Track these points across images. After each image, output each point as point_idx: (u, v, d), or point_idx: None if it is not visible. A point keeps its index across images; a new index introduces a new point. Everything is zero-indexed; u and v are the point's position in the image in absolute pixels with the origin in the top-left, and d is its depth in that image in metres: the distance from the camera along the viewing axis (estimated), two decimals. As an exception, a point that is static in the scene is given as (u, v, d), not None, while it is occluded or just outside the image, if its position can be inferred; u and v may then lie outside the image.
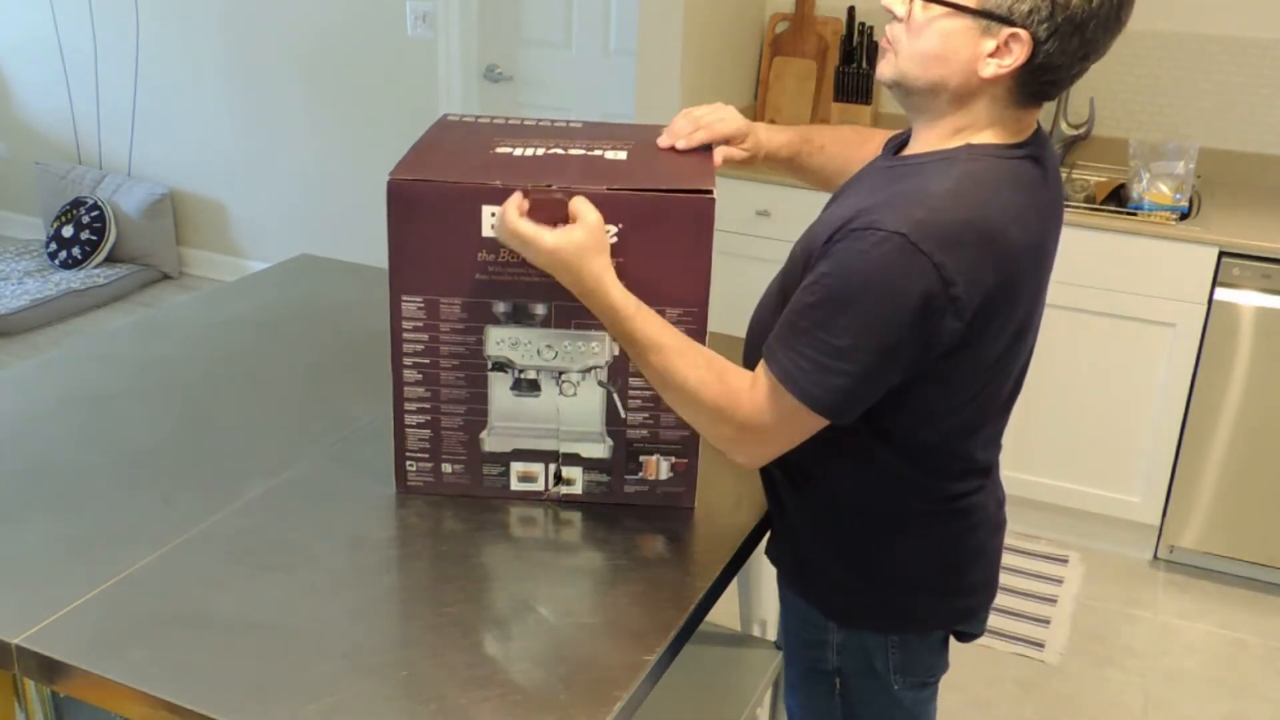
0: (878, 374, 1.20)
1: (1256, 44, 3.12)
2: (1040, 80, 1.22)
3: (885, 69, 1.29)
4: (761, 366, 1.24)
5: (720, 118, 1.49)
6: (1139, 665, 2.70)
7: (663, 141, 1.48)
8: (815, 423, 1.24)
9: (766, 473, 1.45)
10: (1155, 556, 3.11)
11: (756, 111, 3.67)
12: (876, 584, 1.39)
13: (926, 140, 1.29)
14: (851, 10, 3.46)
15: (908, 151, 1.32)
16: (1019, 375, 1.37)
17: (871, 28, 3.47)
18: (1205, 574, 3.06)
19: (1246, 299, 2.77)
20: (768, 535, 1.52)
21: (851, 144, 1.58)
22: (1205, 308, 2.81)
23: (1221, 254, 2.76)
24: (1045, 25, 1.17)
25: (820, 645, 1.44)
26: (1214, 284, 2.78)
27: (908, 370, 1.22)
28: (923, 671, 1.44)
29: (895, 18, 1.27)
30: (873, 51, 3.49)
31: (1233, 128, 3.20)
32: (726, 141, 1.49)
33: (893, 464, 1.32)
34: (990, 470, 1.42)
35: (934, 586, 1.40)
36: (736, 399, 1.25)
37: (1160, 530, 3.03)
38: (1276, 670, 2.70)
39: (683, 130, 1.47)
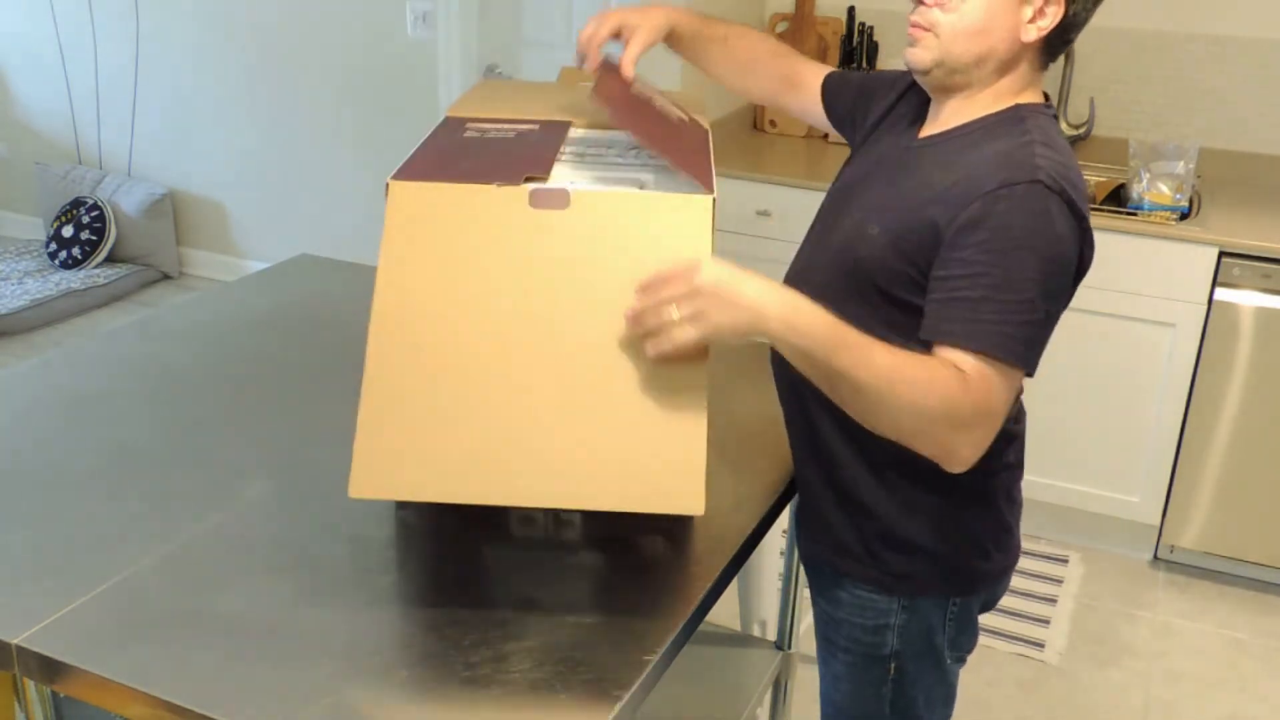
0: (1056, 316, 1.28)
1: (1256, 44, 3.12)
2: (1064, 39, 1.33)
3: (922, 54, 1.34)
4: (954, 351, 1.23)
5: (597, 25, 1.57)
6: (1139, 665, 2.70)
7: (589, 67, 1.56)
8: (1018, 386, 1.30)
9: (814, 470, 1.48)
10: (1155, 556, 3.11)
11: (756, 111, 3.67)
12: (952, 546, 1.44)
13: (962, 111, 1.35)
14: (851, 10, 3.46)
15: (940, 127, 1.37)
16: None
17: (871, 28, 3.47)
18: (1205, 574, 3.06)
19: (1246, 299, 2.77)
20: (799, 536, 1.52)
21: (767, 52, 1.67)
22: (1205, 308, 2.81)
23: (1221, 254, 2.76)
24: None
25: (881, 630, 1.47)
26: (1214, 284, 2.78)
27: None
28: (967, 644, 1.52)
29: (924, 3, 1.32)
30: (873, 52, 3.49)
31: (1233, 128, 3.20)
32: (619, 35, 1.57)
33: None
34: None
35: (993, 544, 1.47)
36: (960, 390, 1.21)
37: (1160, 530, 3.03)
38: (1276, 670, 2.70)
39: (587, 59, 1.57)
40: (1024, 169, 1.24)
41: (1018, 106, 1.33)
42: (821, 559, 1.53)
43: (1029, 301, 1.22)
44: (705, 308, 1.19)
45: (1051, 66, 1.43)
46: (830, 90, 1.63)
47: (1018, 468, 1.49)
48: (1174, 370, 2.88)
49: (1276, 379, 2.80)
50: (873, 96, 1.56)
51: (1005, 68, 1.33)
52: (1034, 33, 1.29)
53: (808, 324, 1.20)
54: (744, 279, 1.19)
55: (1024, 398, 1.52)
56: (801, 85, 1.65)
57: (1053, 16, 1.28)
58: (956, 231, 1.25)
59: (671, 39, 1.61)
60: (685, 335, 1.21)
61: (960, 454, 1.24)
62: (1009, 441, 1.45)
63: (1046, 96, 1.39)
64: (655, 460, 1.29)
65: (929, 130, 1.40)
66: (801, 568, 1.95)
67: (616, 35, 1.55)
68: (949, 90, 1.36)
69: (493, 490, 1.29)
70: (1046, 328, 1.27)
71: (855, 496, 1.45)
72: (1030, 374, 1.27)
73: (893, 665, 1.49)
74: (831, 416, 1.43)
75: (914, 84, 1.48)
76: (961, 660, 1.54)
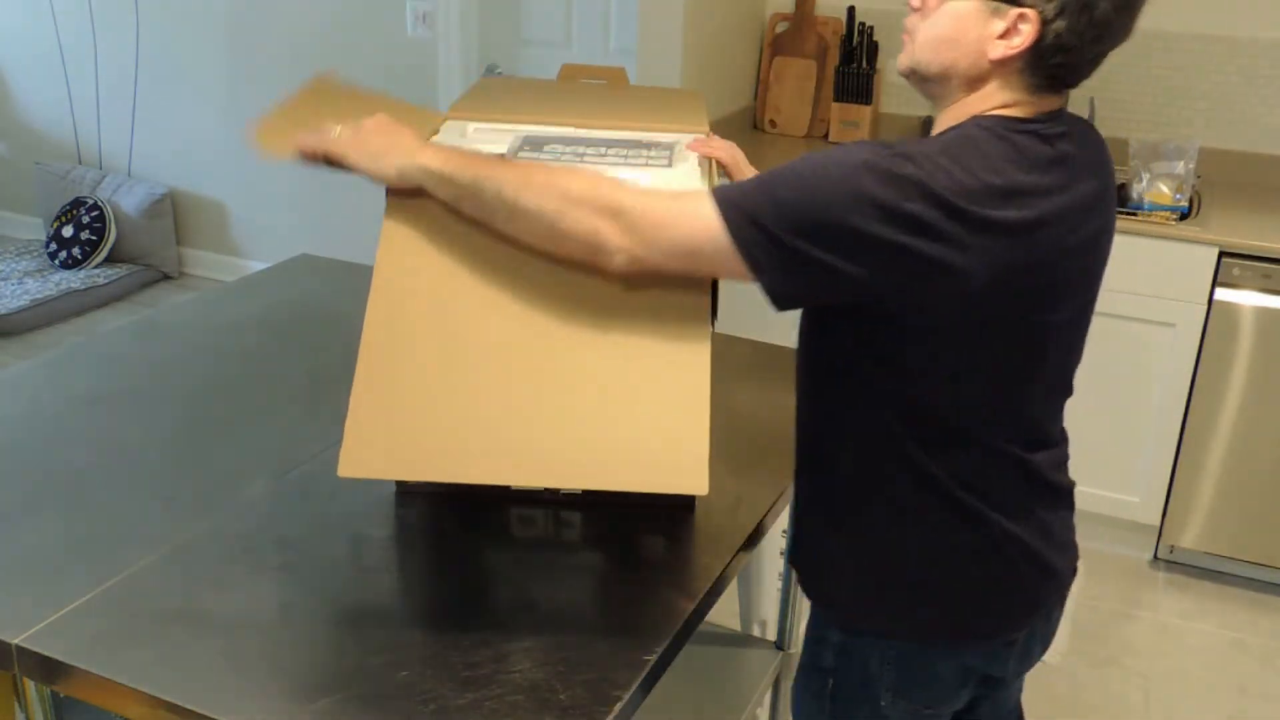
0: (807, 250, 1.21)
1: (1256, 44, 3.12)
2: (1052, 63, 1.22)
3: (902, 58, 1.32)
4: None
5: (718, 146, 1.58)
6: (1139, 665, 2.70)
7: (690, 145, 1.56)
8: (709, 233, 1.24)
9: (798, 455, 1.44)
10: (1155, 556, 3.11)
11: (757, 111, 3.67)
12: (882, 581, 1.35)
13: (942, 121, 1.31)
14: (851, 10, 3.46)
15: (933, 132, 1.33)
16: (1012, 355, 1.28)
17: (871, 28, 3.47)
18: (1205, 574, 3.06)
19: (1246, 299, 2.77)
20: (789, 538, 1.52)
21: None
22: (1205, 308, 2.81)
23: (1221, 254, 2.76)
24: (1052, 4, 1.18)
25: (820, 642, 1.44)
26: (1214, 284, 2.79)
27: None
28: (920, 698, 1.39)
29: (912, 8, 1.29)
30: (873, 52, 3.49)
31: (1233, 128, 3.20)
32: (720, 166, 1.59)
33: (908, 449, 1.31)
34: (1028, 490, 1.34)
35: (951, 599, 1.34)
36: (610, 185, 1.26)
37: (1160, 530, 3.03)
38: (1276, 670, 2.70)
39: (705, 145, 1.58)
40: (904, 143, 1.19)
41: (974, 118, 1.24)
42: (791, 560, 1.51)
43: (776, 201, 1.17)
44: (366, 131, 1.34)
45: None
46: None
47: (1002, 532, 1.32)
48: (1174, 370, 2.87)
49: (1276, 379, 2.80)
50: None
51: (973, 83, 1.25)
52: (1001, 49, 1.21)
53: (447, 154, 1.31)
54: (409, 131, 1.34)
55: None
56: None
57: (1025, 36, 1.19)
58: None
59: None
60: (337, 145, 1.36)
61: (605, 233, 1.23)
62: (967, 487, 1.30)
63: (1062, 114, 1.27)
64: (657, 440, 1.28)
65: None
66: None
67: (720, 165, 1.59)
68: (930, 99, 1.33)
69: (489, 470, 1.28)
70: (786, 242, 1.17)
71: (802, 500, 1.42)
72: (751, 267, 1.20)
73: (830, 681, 1.43)
74: (804, 431, 1.42)
75: None
76: (918, 715, 1.40)
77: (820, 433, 1.36)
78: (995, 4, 1.20)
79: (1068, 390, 1.38)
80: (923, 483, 1.29)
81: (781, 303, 1.23)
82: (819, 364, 1.34)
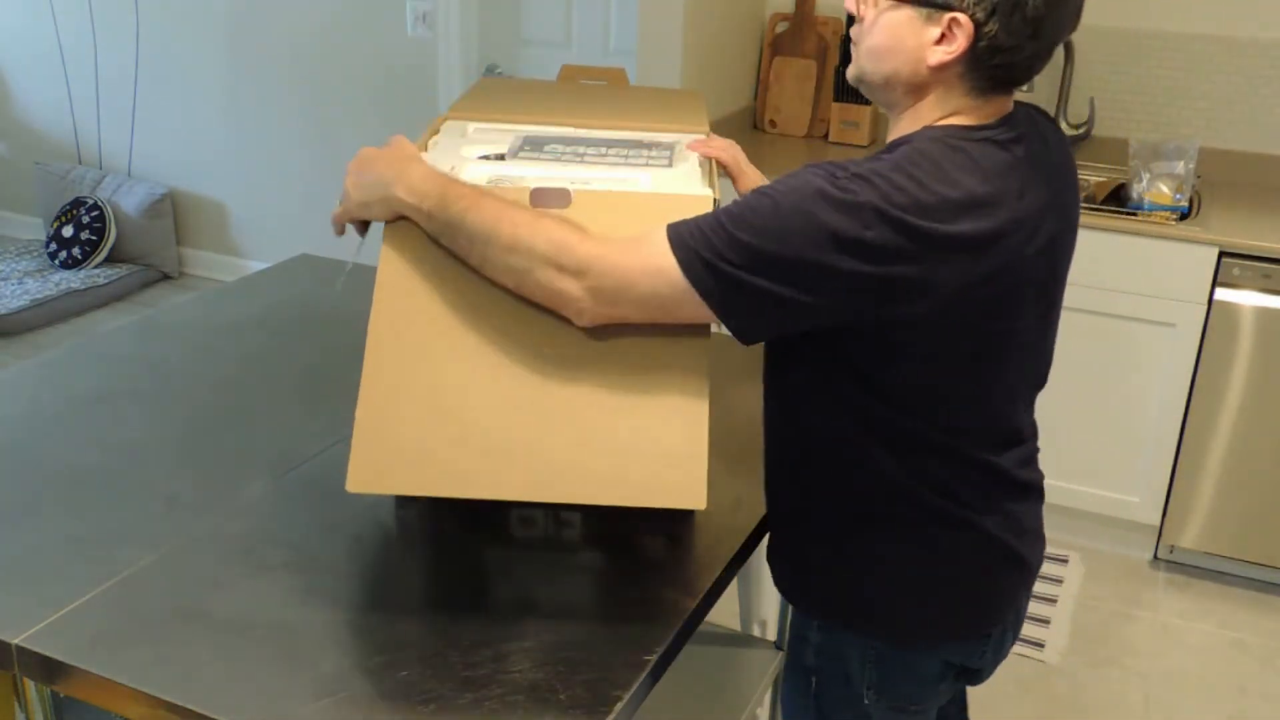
0: (765, 283, 1.20)
1: (1256, 44, 3.12)
2: (991, 64, 1.21)
3: (850, 68, 1.33)
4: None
5: (720, 146, 1.58)
6: (1139, 665, 2.70)
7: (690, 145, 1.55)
8: (663, 274, 1.23)
9: (766, 467, 1.45)
10: (1155, 556, 3.11)
11: (757, 111, 3.67)
12: (849, 581, 1.36)
13: (895, 130, 1.31)
14: (851, 10, 3.46)
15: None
16: (977, 364, 1.28)
17: (871, 28, 3.47)
18: (1205, 574, 3.06)
19: (1246, 299, 2.77)
20: (767, 536, 1.52)
21: None
22: (1205, 308, 2.81)
23: (1221, 254, 2.76)
24: (982, 6, 1.18)
25: (801, 640, 1.44)
26: (1214, 284, 2.79)
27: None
28: (901, 695, 1.40)
29: (854, 19, 1.30)
30: (873, 51, 3.49)
31: (1233, 128, 3.20)
32: (721, 167, 1.58)
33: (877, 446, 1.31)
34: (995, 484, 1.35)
35: (925, 598, 1.35)
36: (575, 238, 1.25)
37: (1160, 530, 3.03)
38: (1276, 670, 2.70)
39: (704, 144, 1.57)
40: (855, 166, 1.17)
41: (925, 129, 1.24)
42: (770, 559, 1.50)
43: (733, 240, 1.16)
44: (358, 171, 1.34)
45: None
46: None
47: (973, 530, 1.33)
48: (1174, 370, 2.88)
49: (1276, 379, 2.80)
50: None
51: (917, 90, 1.25)
52: (939, 55, 1.21)
53: (422, 185, 1.28)
54: (391, 155, 1.33)
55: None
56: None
57: (960, 40, 1.19)
58: None
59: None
60: (345, 199, 1.36)
61: (570, 294, 1.24)
62: (942, 491, 1.31)
63: (1013, 117, 1.27)
64: (656, 455, 1.28)
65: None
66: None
67: (723, 165, 1.59)
68: (882, 108, 1.33)
69: (492, 485, 1.28)
70: (745, 281, 1.17)
71: (774, 498, 1.43)
72: (720, 317, 1.21)
73: (814, 680, 1.43)
74: (766, 429, 1.43)
75: None
76: (904, 712, 1.41)
77: (789, 446, 1.36)
78: (928, 10, 1.21)
79: (1038, 387, 1.39)
80: (894, 490, 1.30)
81: (749, 339, 1.23)
82: (785, 379, 1.34)
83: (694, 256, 1.18)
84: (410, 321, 1.32)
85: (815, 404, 1.31)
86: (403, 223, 1.34)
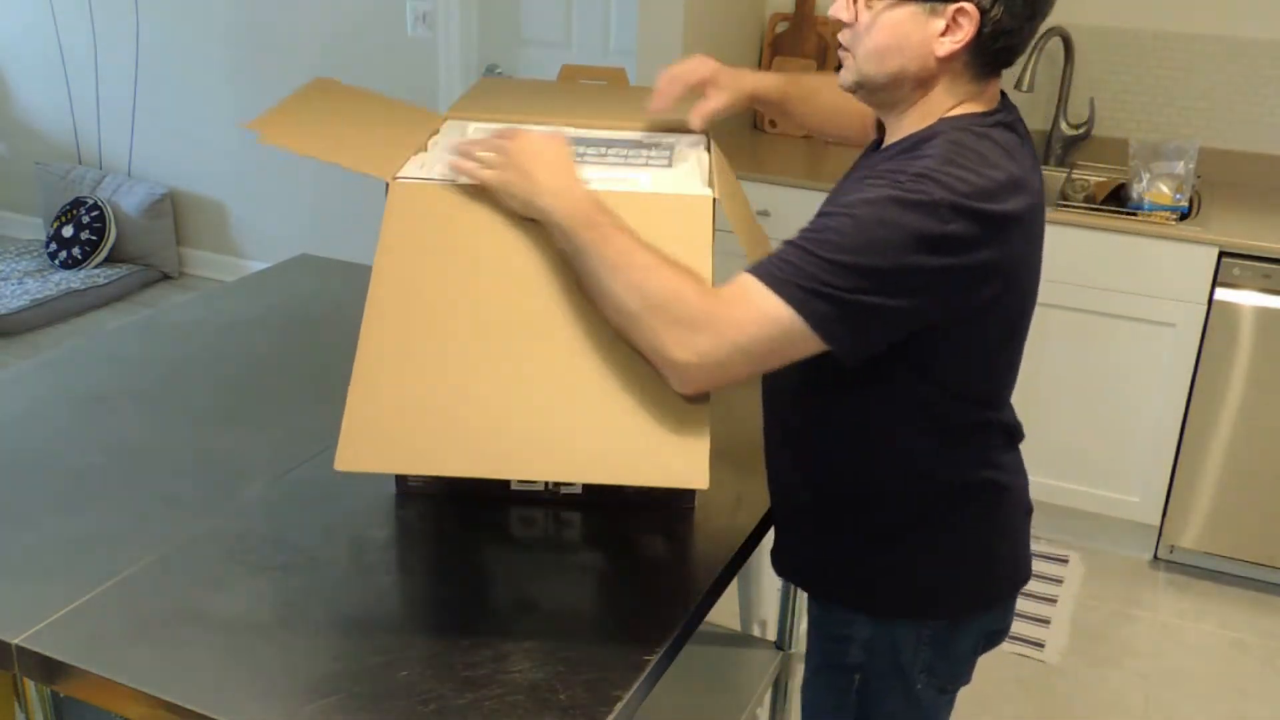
0: (879, 296, 1.22)
1: (1256, 44, 3.12)
2: (995, 48, 1.25)
3: (844, 76, 1.33)
4: (738, 275, 1.24)
5: (690, 67, 1.52)
6: (1139, 665, 2.70)
7: (653, 105, 1.51)
8: (781, 326, 1.22)
9: (782, 479, 1.45)
10: (1155, 556, 3.11)
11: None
12: (911, 568, 1.39)
13: (899, 128, 1.32)
14: (851, 10, 3.46)
15: (888, 141, 1.34)
16: (1004, 340, 1.35)
17: (871, 28, 3.47)
18: (1205, 574, 3.06)
19: (1246, 299, 2.77)
20: (772, 548, 1.51)
21: (841, 98, 1.57)
22: (1205, 308, 2.81)
23: (1221, 254, 2.76)
24: None
25: (844, 640, 1.44)
26: (1214, 284, 2.78)
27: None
28: (946, 675, 1.44)
29: (845, 24, 1.30)
30: (873, 51, 3.49)
31: (1233, 128, 3.20)
32: (703, 88, 1.52)
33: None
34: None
35: (974, 571, 1.41)
36: (693, 290, 1.23)
37: (1160, 530, 3.03)
38: (1276, 670, 2.70)
39: (660, 89, 1.51)
40: (906, 168, 1.20)
41: (939, 122, 1.27)
42: (793, 572, 1.50)
43: (831, 263, 1.17)
44: (508, 159, 1.31)
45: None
46: None
47: (1007, 491, 1.41)
48: (1174, 370, 2.88)
49: (1276, 379, 2.80)
50: None
51: (925, 84, 1.27)
52: (948, 46, 1.23)
53: (568, 202, 1.26)
54: (553, 162, 1.30)
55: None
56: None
57: (967, 29, 1.22)
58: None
59: (756, 101, 1.58)
60: (480, 171, 1.32)
61: (672, 354, 1.21)
62: (971, 464, 1.37)
63: (1003, 96, 1.33)
64: (658, 433, 1.27)
65: (885, 144, 1.37)
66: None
67: (703, 84, 1.52)
68: (882, 108, 1.33)
69: (488, 463, 1.26)
70: (851, 302, 1.18)
71: (812, 510, 1.42)
72: (830, 345, 1.20)
73: (856, 677, 1.44)
74: (789, 439, 1.43)
75: None
76: (945, 691, 1.46)
77: (827, 444, 1.36)
78: (931, 4, 1.22)
79: None
80: (945, 474, 1.35)
81: (855, 359, 1.23)
82: (822, 382, 1.34)
83: (796, 290, 1.18)
84: (406, 299, 1.31)
85: (866, 405, 1.31)
86: (403, 202, 1.34)
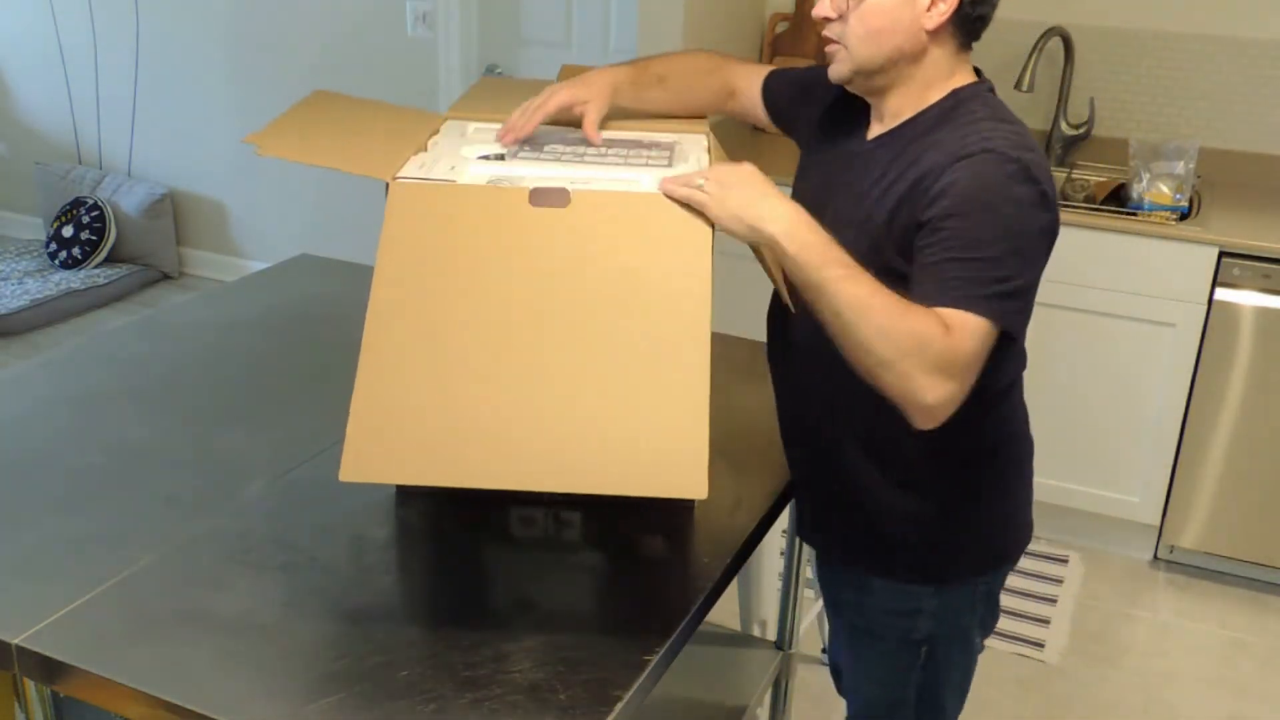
0: (1028, 276, 1.30)
1: (1256, 44, 3.12)
2: (975, 16, 1.34)
3: (838, 68, 1.38)
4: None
5: (546, 100, 1.52)
6: (1139, 665, 2.70)
7: (504, 137, 1.51)
8: (990, 343, 1.28)
9: (846, 475, 1.49)
10: (1155, 556, 3.11)
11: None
12: (975, 529, 1.48)
13: (902, 108, 1.38)
14: (851, 10, 3.46)
15: (887, 126, 1.40)
16: None
17: (871, 28, 3.47)
18: (1205, 574, 3.06)
19: (1246, 299, 2.77)
20: (823, 545, 1.54)
21: (699, 73, 1.65)
22: (1205, 308, 2.81)
23: (1221, 254, 2.76)
24: None
25: (912, 615, 1.50)
26: (1214, 284, 2.78)
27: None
28: (992, 623, 1.57)
29: (829, 20, 1.36)
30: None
31: (1233, 128, 3.20)
32: (569, 110, 1.53)
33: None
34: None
35: (1013, 520, 1.52)
36: (939, 331, 1.24)
37: (1160, 530, 3.03)
38: (1276, 670, 2.70)
39: (517, 121, 1.52)
40: (975, 143, 1.28)
41: (955, 92, 1.36)
42: (845, 556, 1.55)
43: (994, 259, 1.25)
44: (729, 186, 1.29)
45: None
46: (771, 92, 1.64)
47: (1026, 441, 1.53)
48: (1174, 370, 2.87)
49: (1276, 379, 2.80)
50: (811, 94, 1.56)
51: (918, 58, 1.35)
52: (936, 19, 1.31)
53: (804, 239, 1.26)
54: (773, 192, 1.28)
55: (1025, 396, 1.52)
56: (738, 93, 1.66)
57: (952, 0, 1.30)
58: (924, 212, 1.29)
59: (617, 94, 1.59)
60: (700, 196, 1.30)
61: (923, 398, 1.22)
62: (1011, 418, 1.49)
63: (978, 72, 1.41)
64: (657, 443, 1.28)
65: (877, 131, 1.43)
66: (806, 565, 1.95)
67: (567, 109, 1.54)
68: (879, 92, 1.39)
69: (490, 474, 1.28)
70: (1019, 285, 1.27)
71: (874, 496, 1.47)
72: (1012, 334, 1.28)
73: (924, 650, 1.52)
74: (843, 423, 1.45)
75: None
76: (979, 647, 1.58)
77: (896, 430, 1.36)
78: None
79: None
80: (986, 429, 1.44)
81: (1019, 342, 1.34)
82: None
83: (986, 302, 1.24)
84: (408, 309, 1.31)
85: None
86: (404, 209, 1.34)
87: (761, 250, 1.36)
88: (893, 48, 1.33)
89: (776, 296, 1.54)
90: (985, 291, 1.24)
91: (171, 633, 1.24)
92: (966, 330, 1.23)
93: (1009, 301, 1.26)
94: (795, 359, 1.50)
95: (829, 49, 1.37)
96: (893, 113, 1.39)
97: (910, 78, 1.36)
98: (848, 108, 1.48)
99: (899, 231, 1.32)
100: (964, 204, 1.25)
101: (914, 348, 1.21)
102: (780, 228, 1.26)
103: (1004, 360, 1.35)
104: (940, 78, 1.36)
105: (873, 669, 1.58)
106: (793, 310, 1.46)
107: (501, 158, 1.47)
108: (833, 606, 1.66)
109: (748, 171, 1.31)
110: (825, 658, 2.54)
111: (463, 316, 1.31)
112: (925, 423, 1.25)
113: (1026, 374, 1.50)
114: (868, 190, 1.37)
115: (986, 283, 1.24)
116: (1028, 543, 1.56)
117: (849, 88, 1.40)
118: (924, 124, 1.36)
